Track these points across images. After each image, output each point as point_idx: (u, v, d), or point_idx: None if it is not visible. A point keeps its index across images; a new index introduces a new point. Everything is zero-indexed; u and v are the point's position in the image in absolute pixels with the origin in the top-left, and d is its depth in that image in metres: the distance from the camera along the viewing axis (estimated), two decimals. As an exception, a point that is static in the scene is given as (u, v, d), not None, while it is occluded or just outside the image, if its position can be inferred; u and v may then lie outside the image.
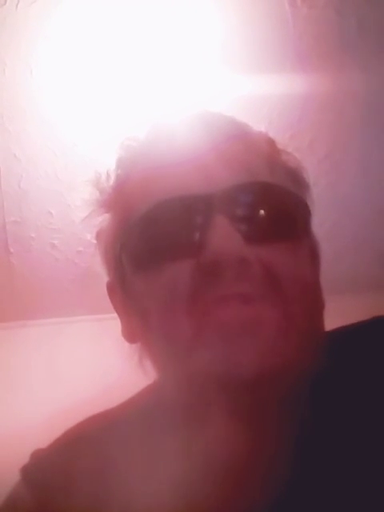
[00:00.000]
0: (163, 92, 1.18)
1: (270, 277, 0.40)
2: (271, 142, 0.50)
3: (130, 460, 0.45)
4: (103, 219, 0.50)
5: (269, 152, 0.48)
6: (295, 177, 0.48)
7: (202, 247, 0.40)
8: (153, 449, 0.44)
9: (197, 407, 0.42)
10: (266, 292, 0.39)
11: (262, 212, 0.42)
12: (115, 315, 0.52)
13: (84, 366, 1.62)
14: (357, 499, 0.39)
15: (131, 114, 1.20)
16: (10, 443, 1.29)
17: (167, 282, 0.41)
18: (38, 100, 1.22)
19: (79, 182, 1.32)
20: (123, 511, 0.43)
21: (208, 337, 0.39)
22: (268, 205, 0.43)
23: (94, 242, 0.52)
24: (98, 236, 0.51)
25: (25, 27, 1.10)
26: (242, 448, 0.41)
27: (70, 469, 0.47)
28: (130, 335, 0.49)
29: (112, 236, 0.48)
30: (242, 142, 0.47)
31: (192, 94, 1.19)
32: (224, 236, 0.39)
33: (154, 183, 0.45)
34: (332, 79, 1.22)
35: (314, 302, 0.43)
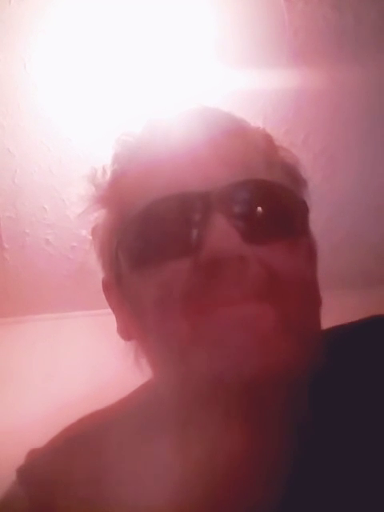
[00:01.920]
0: (158, 87, 1.18)
1: (268, 276, 0.39)
2: (269, 138, 0.50)
3: (127, 459, 0.45)
4: (99, 215, 0.50)
5: (266, 148, 0.48)
6: (293, 173, 0.48)
7: (200, 246, 0.39)
8: (150, 448, 0.44)
9: (194, 407, 0.41)
10: (265, 292, 0.39)
11: (259, 210, 0.42)
12: (110, 311, 0.51)
13: (80, 362, 1.62)
14: (357, 499, 0.38)
15: (126, 109, 1.19)
16: (4, 440, 1.29)
17: (164, 281, 0.41)
18: (31, 94, 1.21)
19: (74, 177, 1.31)
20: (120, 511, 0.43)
21: (205, 337, 0.38)
22: (266, 203, 0.42)
23: (89, 237, 0.52)
24: (93, 232, 0.51)
25: (18, 21, 1.09)
26: (241, 448, 0.41)
27: (66, 469, 0.47)
28: (125, 333, 0.49)
29: (108, 232, 0.48)
30: (239, 137, 0.46)
31: (187, 88, 1.18)
32: (222, 234, 0.39)
33: (150, 179, 0.44)
34: (327, 74, 1.22)
35: (311, 301, 0.43)
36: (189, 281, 0.40)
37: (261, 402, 0.40)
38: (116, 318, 0.50)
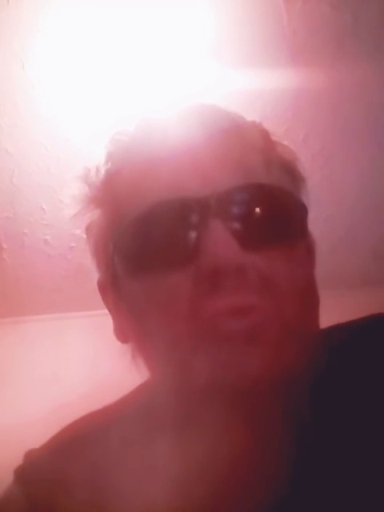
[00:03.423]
0: (156, 86, 1.18)
1: (267, 283, 0.39)
2: (265, 134, 0.49)
3: (127, 459, 0.45)
4: (93, 215, 0.49)
5: (264, 146, 0.47)
6: (291, 170, 0.47)
7: (198, 254, 0.39)
8: (150, 448, 0.43)
9: (194, 408, 0.41)
10: (264, 299, 0.39)
11: (258, 217, 0.41)
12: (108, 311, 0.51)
13: (78, 362, 1.62)
14: (358, 500, 0.38)
15: (124, 109, 1.19)
16: (2, 440, 1.29)
17: (164, 289, 0.40)
18: (30, 94, 1.21)
19: (70, 177, 1.31)
20: None
21: (208, 345, 0.38)
22: (264, 208, 0.42)
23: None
24: (87, 230, 0.50)
25: (16, 21, 1.09)
26: (241, 448, 0.41)
27: (64, 469, 0.47)
28: (121, 335, 0.48)
29: (103, 234, 0.47)
30: (236, 135, 0.46)
31: (186, 88, 1.18)
32: (220, 242, 0.38)
33: (146, 180, 0.43)
34: (327, 73, 1.22)
35: (310, 302, 0.43)
36: (189, 290, 0.39)
37: (261, 402, 0.39)
38: (112, 319, 0.50)
